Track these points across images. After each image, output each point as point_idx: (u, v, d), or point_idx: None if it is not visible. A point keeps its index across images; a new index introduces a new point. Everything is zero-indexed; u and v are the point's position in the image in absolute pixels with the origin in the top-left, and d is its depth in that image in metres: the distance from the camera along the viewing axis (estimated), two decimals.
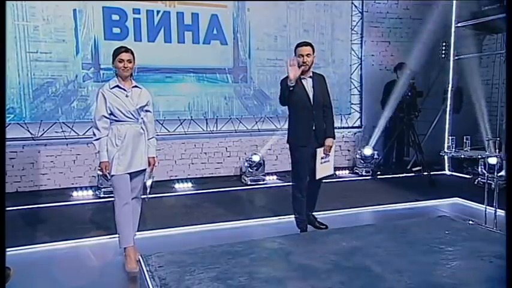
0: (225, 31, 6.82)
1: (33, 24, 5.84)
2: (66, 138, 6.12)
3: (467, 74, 7.22)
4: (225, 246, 3.10)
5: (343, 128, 7.76)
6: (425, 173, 6.79)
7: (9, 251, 3.18)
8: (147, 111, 3.65)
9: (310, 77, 4.13)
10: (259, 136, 7.21)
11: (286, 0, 7.12)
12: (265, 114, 7.18)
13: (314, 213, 4.50)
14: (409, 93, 7.00)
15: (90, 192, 6.02)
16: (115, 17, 6.22)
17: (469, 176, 7.01)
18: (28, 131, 5.94)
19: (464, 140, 4.47)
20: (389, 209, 5.34)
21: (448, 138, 4.82)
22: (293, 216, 4.33)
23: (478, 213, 4.58)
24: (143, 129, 3.61)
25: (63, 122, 6.09)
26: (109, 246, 3.96)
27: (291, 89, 3.95)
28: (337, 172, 7.38)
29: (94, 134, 3.51)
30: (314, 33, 7.34)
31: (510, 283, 1.96)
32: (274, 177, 6.97)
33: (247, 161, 6.76)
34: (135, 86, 3.59)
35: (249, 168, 6.73)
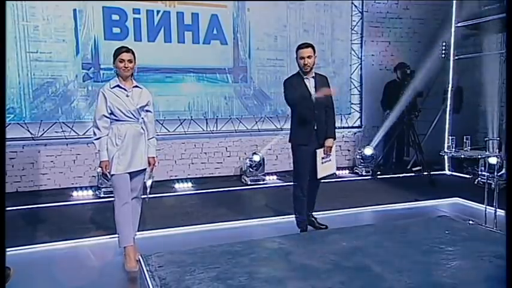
0: (225, 31, 6.82)
1: (33, 24, 5.84)
2: (66, 138, 6.12)
3: (467, 74, 7.22)
4: (225, 246, 3.09)
5: (343, 128, 7.76)
6: (425, 173, 6.80)
7: (9, 251, 3.18)
8: (147, 111, 3.65)
9: (313, 77, 4.17)
10: (259, 136, 7.21)
11: (286, 0, 7.12)
12: (265, 114, 7.18)
13: (314, 213, 4.51)
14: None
15: (90, 192, 6.02)
16: (115, 17, 6.22)
17: (469, 176, 7.01)
18: (28, 131, 5.94)
19: (464, 140, 4.47)
20: (389, 209, 5.34)
21: (448, 138, 4.82)
22: (293, 216, 4.34)
23: (478, 213, 4.58)
24: (143, 129, 3.62)
25: (63, 122, 6.09)
26: (109, 246, 3.96)
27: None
28: (337, 172, 7.36)
29: (94, 134, 3.52)
30: (314, 33, 7.34)
31: (510, 283, 1.96)
32: (274, 177, 6.97)
33: (250, 159, 6.75)
34: (136, 86, 3.60)
35: (250, 168, 6.73)
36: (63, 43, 6.01)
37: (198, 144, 6.91)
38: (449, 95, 7.56)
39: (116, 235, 3.60)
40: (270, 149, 7.26)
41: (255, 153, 6.82)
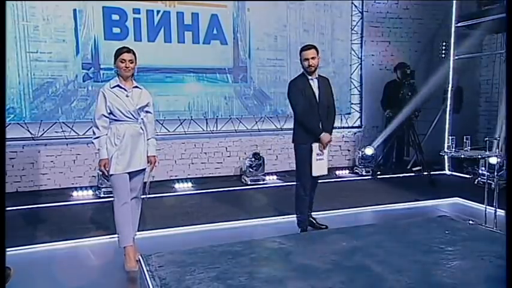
0: (225, 31, 6.82)
1: (33, 24, 5.84)
2: (66, 138, 6.12)
3: (468, 74, 7.21)
4: (225, 246, 3.09)
5: (343, 127, 7.76)
6: (425, 173, 6.80)
7: (9, 251, 3.18)
8: (147, 112, 3.65)
9: (316, 78, 4.22)
10: (259, 136, 7.21)
11: (286, 0, 7.12)
12: (265, 114, 7.18)
13: (314, 213, 4.51)
14: (409, 93, 7.00)
15: (90, 192, 6.02)
16: (115, 17, 6.22)
17: (469, 176, 7.01)
18: (28, 131, 5.93)
19: (464, 140, 4.47)
20: (389, 209, 5.34)
21: (448, 138, 4.82)
22: (293, 216, 4.34)
23: (478, 213, 4.58)
24: (142, 129, 3.61)
25: (63, 122, 6.09)
26: (109, 246, 3.96)
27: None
28: (337, 172, 7.39)
29: (94, 133, 3.53)
30: (314, 33, 7.34)
31: (510, 283, 1.96)
32: (274, 177, 6.97)
33: (250, 157, 6.75)
34: (136, 87, 3.60)
35: (250, 168, 6.73)
36: (63, 43, 6.01)
37: (198, 144, 6.91)
38: (449, 95, 7.56)
39: (116, 235, 3.60)
40: (269, 149, 7.26)
41: (255, 153, 6.82)
